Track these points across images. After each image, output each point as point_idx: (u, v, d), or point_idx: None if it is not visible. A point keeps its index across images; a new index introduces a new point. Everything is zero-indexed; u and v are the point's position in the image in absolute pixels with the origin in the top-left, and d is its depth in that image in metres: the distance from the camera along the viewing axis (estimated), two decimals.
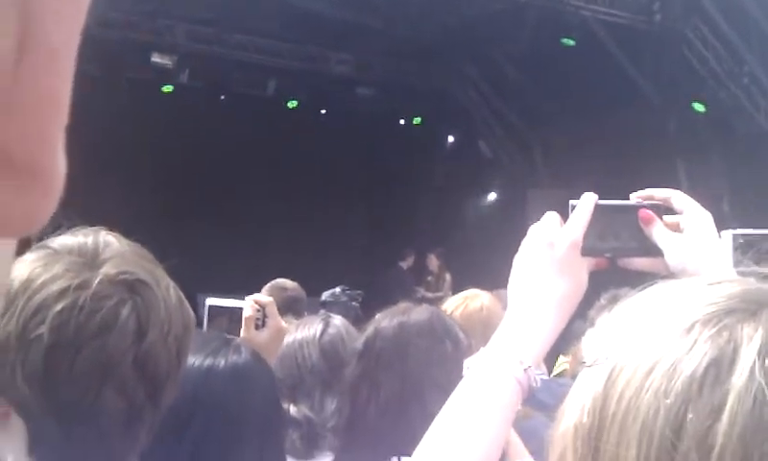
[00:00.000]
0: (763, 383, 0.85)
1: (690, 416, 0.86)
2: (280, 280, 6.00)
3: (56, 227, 1.63)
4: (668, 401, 0.87)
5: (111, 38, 14.70)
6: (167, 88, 16.07)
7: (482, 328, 3.18)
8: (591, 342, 0.98)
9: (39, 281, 1.52)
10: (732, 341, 0.88)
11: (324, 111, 17.91)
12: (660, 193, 1.62)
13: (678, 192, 1.61)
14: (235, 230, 16.55)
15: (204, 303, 3.14)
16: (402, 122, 18.88)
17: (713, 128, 14.32)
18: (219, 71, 16.27)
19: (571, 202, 1.59)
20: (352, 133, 18.25)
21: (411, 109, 18.61)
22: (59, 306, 1.49)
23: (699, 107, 14.39)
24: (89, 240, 1.61)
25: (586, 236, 1.55)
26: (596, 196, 1.59)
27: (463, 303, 4.02)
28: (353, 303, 7.57)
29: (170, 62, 15.51)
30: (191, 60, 15.83)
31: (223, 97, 16.81)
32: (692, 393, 0.87)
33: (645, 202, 1.61)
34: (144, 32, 15.11)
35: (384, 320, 2.62)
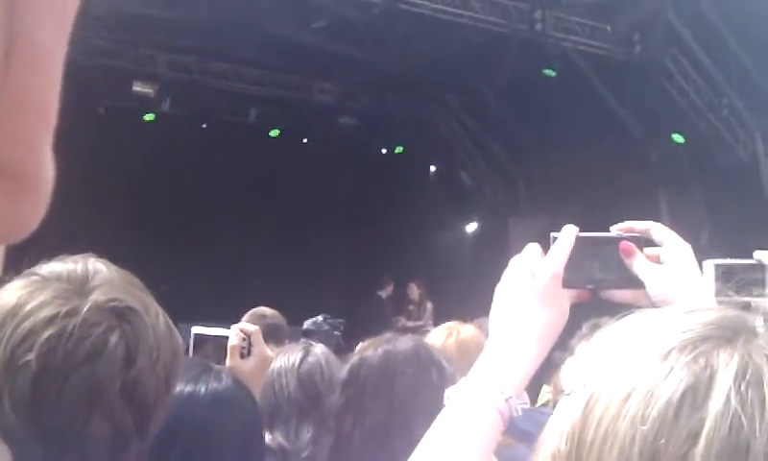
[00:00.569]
0: (739, 409, 0.85)
1: (667, 442, 0.86)
2: (260, 308, 5.99)
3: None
4: (645, 428, 0.87)
5: (92, 66, 14.70)
6: (149, 117, 16.06)
7: (464, 361, 3.19)
8: (570, 370, 0.98)
9: (28, 308, 1.51)
10: (708, 367, 0.89)
11: (305, 140, 17.93)
12: (640, 225, 1.64)
13: (657, 224, 1.63)
14: (217, 258, 16.53)
15: (188, 332, 3.13)
16: (384, 151, 18.92)
17: (694, 159, 14.41)
18: (201, 99, 16.28)
19: (552, 234, 1.60)
20: (334, 162, 18.28)
21: (393, 139, 18.65)
22: (47, 333, 1.49)
23: (679, 138, 14.49)
24: (78, 267, 1.60)
25: (567, 268, 1.56)
26: (577, 228, 1.61)
27: (444, 336, 4.03)
28: (335, 332, 7.56)
29: (151, 91, 15.51)
30: (173, 89, 15.84)
31: (204, 125, 16.82)
32: (669, 419, 0.87)
33: (626, 234, 1.62)
34: (125, 60, 15.11)
35: (369, 349, 2.62)
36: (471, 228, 18.50)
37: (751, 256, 1.98)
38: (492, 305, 1.57)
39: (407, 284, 15.98)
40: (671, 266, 1.58)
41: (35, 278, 1.58)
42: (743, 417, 0.85)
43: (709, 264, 2.05)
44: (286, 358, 3.25)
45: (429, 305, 15.63)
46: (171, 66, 15.58)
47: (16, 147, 0.66)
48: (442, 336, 4.03)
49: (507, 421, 1.43)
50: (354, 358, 2.63)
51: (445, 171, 18.83)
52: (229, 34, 14.18)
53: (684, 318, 0.96)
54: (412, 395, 2.46)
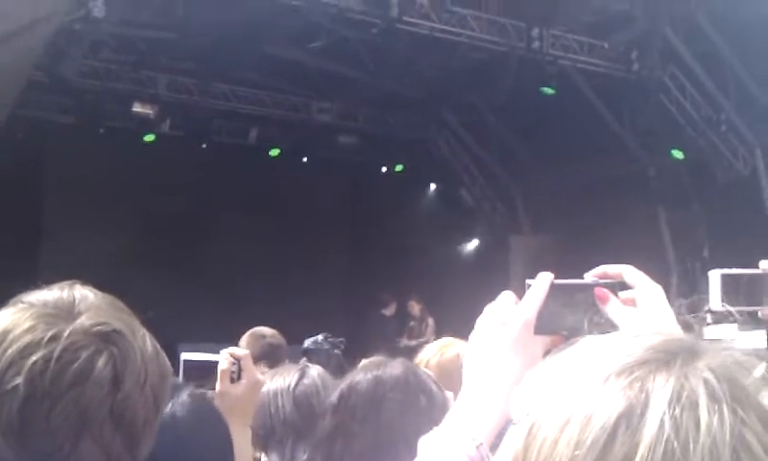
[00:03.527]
0: (672, 435, 0.85)
1: None
2: (259, 328, 5.98)
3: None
4: (581, 453, 0.87)
5: (93, 88, 14.76)
6: (149, 137, 16.09)
7: (458, 377, 3.19)
8: (517, 399, 0.99)
9: (15, 334, 1.51)
10: (643, 391, 0.88)
11: (305, 159, 17.95)
12: (613, 270, 1.65)
13: (629, 267, 1.65)
14: (217, 277, 16.52)
15: (189, 350, 3.13)
16: (384, 170, 18.94)
17: (693, 175, 14.44)
18: (200, 120, 16.30)
19: (527, 281, 1.62)
20: (334, 181, 18.30)
21: (393, 158, 18.67)
22: (33, 358, 1.49)
23: (678, 154, 14.52)
24: (65, 293, 1.61)
25: (540, 315, 1.59)
26: (552, 275, 1.63)
27: (438, 352, 4.04)
28: (336, 351, 7.53)
29: (151, 112, 15.54)
30: (172, 110, 15.87)
31: (204, 146, 16.83)
32: (604, 444, 0.86)
33: (600, 280, 1.64)
34: (126, 82, 15.15)
35: (359, 374, 2.63)
36: (472, 245, 18.50)
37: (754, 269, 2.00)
38: (466, 354, 1.61)
39: (408, 302, 15.96)
40: (644, 309, 1.59)
41: (22, 305, 1.59)
42: (677, 443, 0.84)
43: (715, 274, 2.07)
44: (282, 380, 3.25)
45: (431, 321, 15.60)
46: (171, 87, 15.62)
47: None
48: (433, 353, 4.06)
49: None
50: (344, 383, 2.64)
51: (445, 189, 18.85)
52: (229, 55, 14.23)
53: (629, 342, 0.95)
54: (399, 420, 2.47)
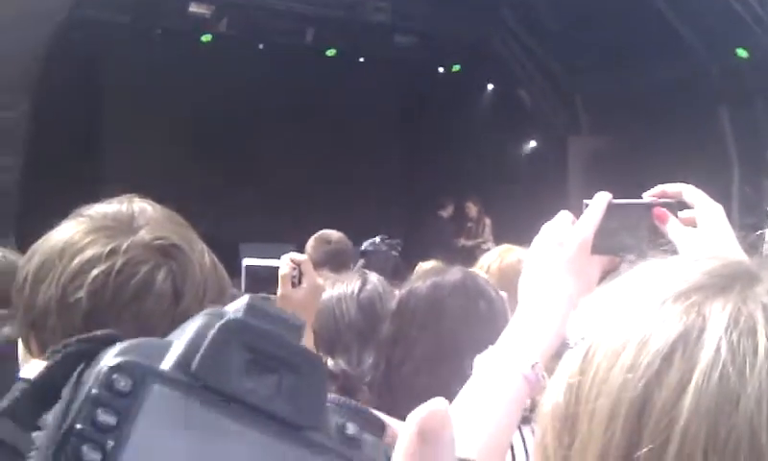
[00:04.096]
0: (729, 360, 0.84)
1: (657, 390, 0.86)
2: (325, 232, 5.97)
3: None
4: (636, 376, 0.87)
5: None
6: (206, 38, 16.06)
7: (518, 282, 3.20)
8: (574, 323, 0.99)
9: (76, 248, 1.54)
10: (700, 316, 0.88)
11: (362, 60, 17.83)
12: (672, 189, 1.64)
13: (689, 186, 1.64)
14: (274, 179, 16.61)
15: (247, 253, 3.17)
16: (441, 70, 18.76)
17: (758, 75, 14.09)
18: (257, 20, 16.21)
19: (585, 201, 1.60)
20: (391, 81, 18.18)
21: (450, 58, 18.48)
22: (95, 272, 1.52)
23: (742, 52, 14.16)
24: (124, 207, 1.63)
25: (597, 235, 1.57)
26: (610, 195, 1.61)
27: (498, 258, 4.05)
28: (393, 253, 7.58)
29: (207, 12, 15.49)
30: (229, 10, 15.80)
31: (261, 46, 16.78)
32: (659, 368, 0.87)
33: (658, 200, 1.61)
34: None
35: (418, 281, 2.64)
36: (531, 146, 18.36)
37: None
38: (522, 274, 1.60)
39: (465, 204, 15.96)
40: (704, 229, 1.58)
41: (81, 218, 1.61)
42: (733, 368, 0.84)
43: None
44: (345, 286, 3.28)
45: (488, 221, 15.63)
46: None
47: None
48: (493, 259, 4.06)
49: (534, 386, 1.45)
50: (403, 290, 2.65)
51: (504, 90, 18.64)
52: None
53: (686, 266, 0.95)
54: (460, 326, 2.48)
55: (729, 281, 0.91)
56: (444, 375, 2.32)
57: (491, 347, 1.51)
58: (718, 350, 0.85)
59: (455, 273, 2.64)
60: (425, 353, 2.49)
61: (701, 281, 0.91)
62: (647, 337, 0.89)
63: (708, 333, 0.87)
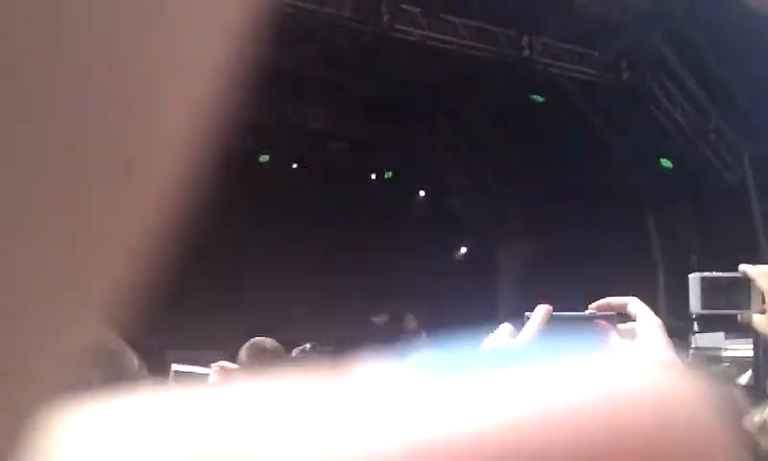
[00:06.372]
0: None
1: None
2: (260, 340, 5.87)
3: None
4: None
5: None
6: None
7: None
8: None
9: None
10: None
11: (295, 166, 17.90)
12: (616, 301, 1.64)
13: (633, 299, 1.64)
14: (206, 283, 16.44)
15: (178, 360, 3.12)
16: (374, 177, 18.90)
17: (682, 183, 14.46)
18: None
19: (526, 313, 1.60)
20: (323, 188, 18.27)
21: (382, 164, 18.64)
22: None
23: (667, 163, 14.53)
24: None
25: None
26: (550, 307, 1.60)
27: None
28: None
29: None
30: None
31: None
32: None
33: (599, 312, 1.62)
34: None
35: None
36: (461, 251, 18.47)
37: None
38: None
39: (404, 314, 15.86)
40: (642, 342, 1.59)
41: None
42: None
43: (695, 278, 2.06)
44: None
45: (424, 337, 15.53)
46: None
47: None
48: None
49: None
50: None
51: (435, 196, 18.81)
52: None
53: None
54: None
55: None
56: None
57: None
58: None
59: None
60: None
61: None
62: None
63: None
